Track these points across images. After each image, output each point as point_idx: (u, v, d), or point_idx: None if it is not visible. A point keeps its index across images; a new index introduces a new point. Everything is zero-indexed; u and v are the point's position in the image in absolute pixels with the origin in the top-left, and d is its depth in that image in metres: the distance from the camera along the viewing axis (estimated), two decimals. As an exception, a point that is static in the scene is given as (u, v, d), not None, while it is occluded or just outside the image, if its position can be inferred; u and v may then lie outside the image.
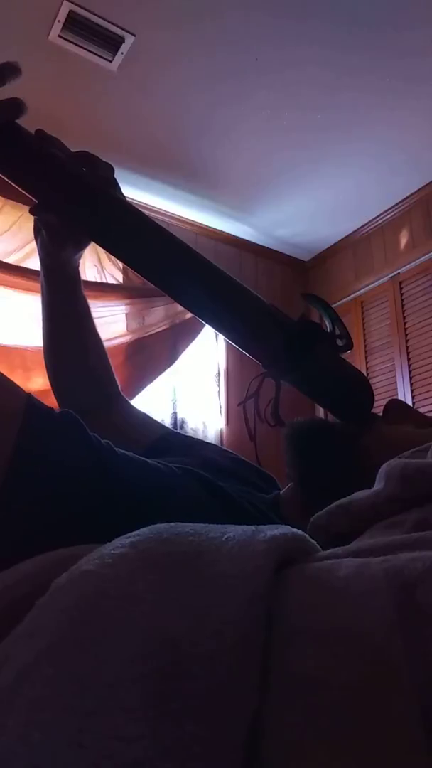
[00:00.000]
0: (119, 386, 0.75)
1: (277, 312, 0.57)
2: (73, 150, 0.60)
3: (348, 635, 0.19)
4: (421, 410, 2.22)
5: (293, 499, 0.56)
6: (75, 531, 0.38)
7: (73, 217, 0.59)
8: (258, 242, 3.76)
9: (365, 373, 3.30)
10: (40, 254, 0.68)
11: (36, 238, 0.67)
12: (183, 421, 3.16)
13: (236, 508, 0.48)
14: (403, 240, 3.36)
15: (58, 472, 0.40)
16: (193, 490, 0.47)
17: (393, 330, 3.30)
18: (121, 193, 0.60)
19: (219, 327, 0.59)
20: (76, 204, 0.57)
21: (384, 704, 0.16)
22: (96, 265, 3.01)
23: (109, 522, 0.38)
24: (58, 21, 2.24)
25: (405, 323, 3.25)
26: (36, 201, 0.59)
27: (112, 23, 2.26)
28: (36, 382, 2.45)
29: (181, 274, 0.57)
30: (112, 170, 0.60)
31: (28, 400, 0.41)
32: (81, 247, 0.66)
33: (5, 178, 0.55)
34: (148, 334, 3.08)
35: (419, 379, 3.13)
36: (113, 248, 0.59)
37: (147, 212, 0.58)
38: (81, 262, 0.70)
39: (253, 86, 2.56)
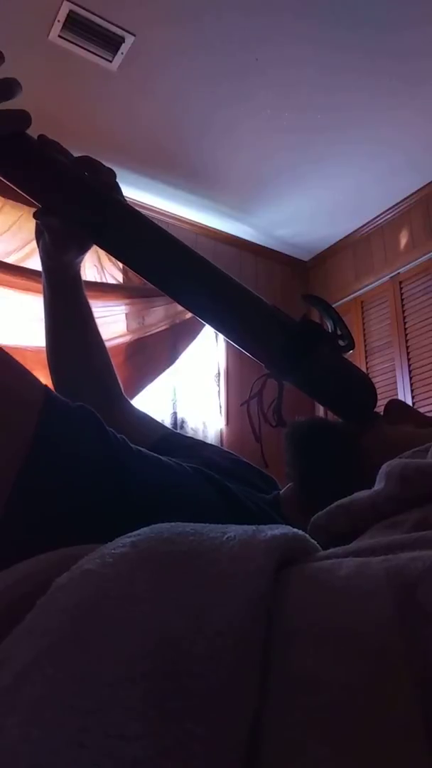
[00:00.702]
0: (121, 387, 0.75)
1: (279, 313, 0.57)
2: (73, 152, 0.60)
3: (348, 635, 0.19)
4: (421, 410, 2.22)
5: (293, 498, 0.56)
6: (88, 523, 0.38)
7: (75, 221, 0.60)
8: (258, 242, 3.76)
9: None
10: (41, 257, 0.68)
11: (38, 241, 0.68)
12: (183, 421, 3.16)
13: (243, 508, 0.49)
14: (403, 240, 3.36)
15: (75, 464, 0.40)
16: (204, 490, 0.48)
17: (393, 330, 3.30)
18: (123, 197, 0.61)
19: (221, 328, 0.59)
20: (78, 208, 0.57)
21: (384, 704, 0.16)
22: (96, 265, 3.01)
23: (122, 517, 0.38)
24: (58, 21, 2.24)
25: (405, 323, 3.25)
26: (39, 205, 0.59)
27: (112, 23, 2.27)
28: (36, 382, 2.44)
29: (183, 277, 0.57)
30: (114, 175, 0.60)
31: (47, 391, 0.42)
32: (83, 250, 0.67)
33: (9, 183, 0.55)
34: (148, 334, 3.09)
35: (419, 379, 3.13)
36: (115, 251, 0.59)
37: (147, 212, 0.59)
38: (81, 263, 0.70)
39: (253, 86, 2.56)
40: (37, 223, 0.65)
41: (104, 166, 0.60)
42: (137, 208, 0.59)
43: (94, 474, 0.41)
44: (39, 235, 0.67)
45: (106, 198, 0.58)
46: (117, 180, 0.61)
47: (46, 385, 0.42)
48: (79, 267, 0.70)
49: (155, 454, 0.48)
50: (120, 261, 0.60)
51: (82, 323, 0.71)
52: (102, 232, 0.58)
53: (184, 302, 0.59)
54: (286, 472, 0.57)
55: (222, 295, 0.57)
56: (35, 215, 0.61)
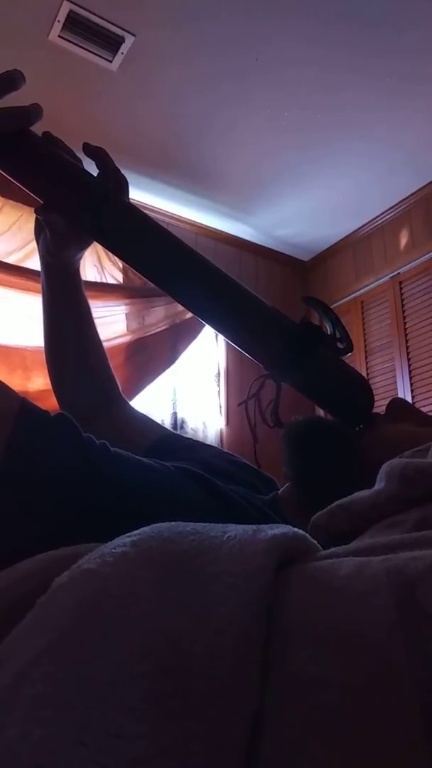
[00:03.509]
0: (120, 388, 0.75)
1: (279, 314, 0.57)
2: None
3: (348, 634, 0.19)
4: (422, 410, 2.21)
5: (292, 498, 0.56)
6: (72, 531, 0.38)
7: (77, 219, 0.60)
8: (258, 242, 3.76)
9: (365, 374, 3.31)
10: (41, 254, 0.68)
11: (37, 237, 0.67)
12: (183, 421, 3.16)
13: (234, 507, 0.48)
14: (403, 240, 3.36)
15: (50, 473, 0.40)
16: (190, 489, 0.47)
17: (393, 330, 3.30)
18: (127, 195, 0.61)
19: (221, 329, 0.59)
20: (80, 206, 0.58)
21: (384, 704, 0.16)
22: (96, 265, 3.01)
23: (105, 522, 0.38)
24: (58, 21, 2.24)
25: (405, 323, 3.25)
26: (42, 201, 0.59)
27: (112, 23, 2.26)
28: (36, 382, 2.45)
29: (184, 277, 0.57)
30: (124, 178, 0.61)
31: (23, 403, 0.42)
32: (83, 247, 0.67)
33: (11, 179, 0.55)
34: (148, 334, 3.08)
35: (419, 379, 3.13)
36: (116, 250, 0.59)
37: (147, 212, 0.59)
38: (81, 262, 0.70)
39: (253, 86, 2.56)
40: (37, 219, 0.65)
41: (113, 163, 0.61)
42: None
43: (72, 482, 0.41)
44: (39, 231, 0.67)
45: (108, 197, 0.58)
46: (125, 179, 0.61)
47: (24, 398, 0.42)
48: (79, 264, 0.70)
49: (137, 457, 0.47)
50: (120, 259, 0.60)
51: (81, 321, 0.71)
52: (103, 230, 0.58)
53: (185, 302, 0.59)
54: (283, 472, 0.57)
55: (222, 295, 0.57)
56: (37, 211, 0.61)
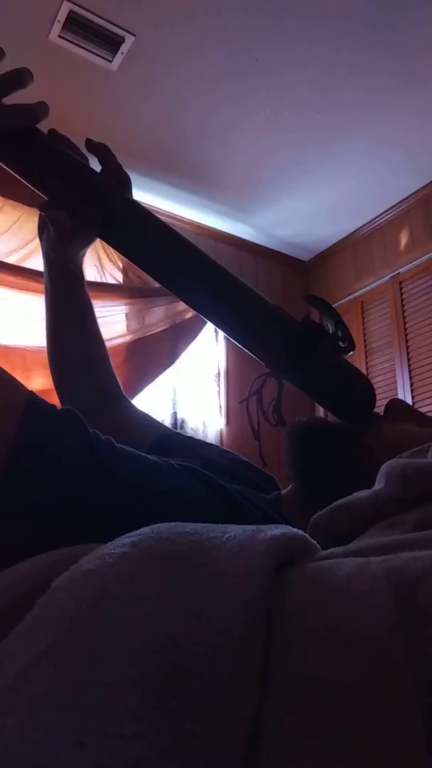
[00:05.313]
0: (121, 386, 0.75)
1: (281, 312, 0.57)
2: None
3: (348, 635, 0.19)
4: (421, 410, 2.22)
5: (294, 498, 0.56)
6: (76, 529, 0.38)
7: (81, 215, 0.60)
8: (258, 242, 3.76)
9: (365, 373, 3.29)
10: (44, 250, 0.68)
11: (41, 234, 0.68)
12: (183, 421, 3.16)
13: (237, 506, 0.48)
14: (403, 240, 3.36)
15: (56, 469, 0.40)
16: (194, 488, 0.47)
17: (393, 330, 3.30)
18: (130, 193, 0.61)
19: (223, 326, 0.59)
20: (85, 203, 0.58)
21: (384, 704, 0.16)
22: (96, 265, 3.01)
23: (109, 520, 0.38)
24: (58, 21, 2.24)
25: (405, 323, 3.25)
26: (45, 198, 0.59)
27: (112, 23, 2.26)
28: (36, 382, 2.45)
29: (186, 274, 0.57)
30: (127, 177, 0.61)
31: (30, 396, 0.41)
32: (86, 244, 0.67)
33: (17, 176, 0.56)
34: (148, 334, 3.08)
35: (419, 379, 3.13)
36: (120, 247, 0.59)
37: (147, 212, 0.59)
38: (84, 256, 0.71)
39: (253, 86, 2.56)
40: (40, 216, 0.65)
41: (116, 161, 0.61)
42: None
43: (78, 477, 0.40)
44: (42, 228, 0.67)
45: (113, 194, 0.58)
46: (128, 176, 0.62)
47: (31, 392, 0.42)
48: (82, 260, 0.70)
49: (142, 454, 0.47)
50: (124, 256, 0.60)
51: (83, 318, 0.71)
52: (106, 227, 0.59)
53: (187, 299, 0.59)
54: (286, 472, 0.57)
55: (225, 293, 0.57)
56: (41, 208, 0.61)
